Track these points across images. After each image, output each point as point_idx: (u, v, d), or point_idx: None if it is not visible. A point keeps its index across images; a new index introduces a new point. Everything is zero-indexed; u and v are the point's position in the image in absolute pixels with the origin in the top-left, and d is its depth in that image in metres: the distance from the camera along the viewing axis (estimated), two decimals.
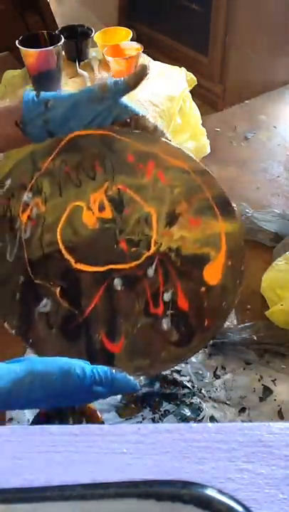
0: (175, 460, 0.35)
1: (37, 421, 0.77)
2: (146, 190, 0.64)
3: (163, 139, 0.63)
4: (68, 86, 1.25)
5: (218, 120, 1.68)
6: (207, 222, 0.62)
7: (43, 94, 0.64)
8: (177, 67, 1.35)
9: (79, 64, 1.31)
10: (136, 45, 1.26)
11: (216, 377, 0.92)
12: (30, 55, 1.13)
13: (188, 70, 1.36)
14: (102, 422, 0.77)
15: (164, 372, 0.91)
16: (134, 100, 1.15)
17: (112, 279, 0.64)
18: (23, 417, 0.85)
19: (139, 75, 0.63)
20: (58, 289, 0.65)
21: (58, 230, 0.66)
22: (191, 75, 1.36)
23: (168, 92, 1.25)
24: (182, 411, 0.87)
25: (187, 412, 0.86)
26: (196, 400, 0.88)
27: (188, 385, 0.90)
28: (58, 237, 0.65)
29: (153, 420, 0.86)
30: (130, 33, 1.34)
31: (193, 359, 0.94)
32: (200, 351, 0.94)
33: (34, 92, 0.64)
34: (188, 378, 0.91)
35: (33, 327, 0.65)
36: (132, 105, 0.65)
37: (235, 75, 1.72)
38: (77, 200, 0.65)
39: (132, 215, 0.64)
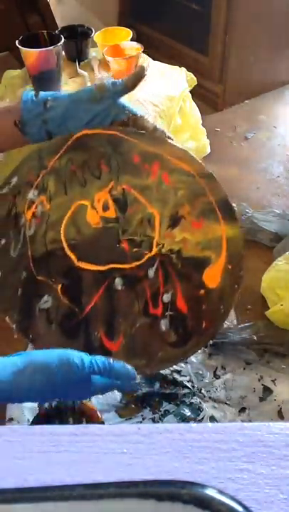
0: (175, 460, 0.35)
1: (37, 421, 0.77)
2: (151, 191, 0.64)
3: (169, 141, 0.63)
4: (68, 86, 1.25)
5: (218, 120, 1.68)
6: (209, 226, 0.62)
7: (42, 94, 0.64)
8: (177, 67, 1.35)
9: (79, 64, 1.31)
10: (136, 45, 1.26)
11: (216, 377, 0.92)
12: (30, 55, 1.13)
13: (188, 70, 1.36)
14: (102, 422, 0.77)
15: (164, 373, 0.91)
16: (134, 100, 1.15)
17: (113, 279, 0.64)
18: (23, 417, 0.85)
19: (138, 76, 0.63)
20: (60, 286, 0.66)
21: (62, 227, 0.66)
22: (191, 75, 1.36)
23: (168, 92, 1.25)
24: (182, 411, 0.87)
25: (187, 412, 0.86)
26: (196, 400, 0.88)
27: (188, 385, 0.90)
28: (62, 234, 0.66)
29: (153, 420, 0.86)
30: (130, 33, 1.34)
31: (193, 359, 0.94)
32: (200, 351, 0.94)
33: (33, 92, 0.64)
34: (188, 378, 0.91)
35: (34, 323, 0.66)
36: (131, 105, 0.65)
37: (235, 75, 1.72)
38: (82, 198, 0.66)
39: (135, 215, 0.64)
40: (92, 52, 1.35)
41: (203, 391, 0.89)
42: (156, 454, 0.35)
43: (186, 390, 0.89)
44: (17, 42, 1.13)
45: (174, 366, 0.92)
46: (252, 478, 0.34)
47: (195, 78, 1.37)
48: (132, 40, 1.32)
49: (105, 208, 0.65)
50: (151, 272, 0.63)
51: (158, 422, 0.85)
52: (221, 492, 0.30)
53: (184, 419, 0.85)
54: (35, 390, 0.52)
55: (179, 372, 0.92)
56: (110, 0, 2.01)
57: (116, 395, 0.88)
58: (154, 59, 1.36)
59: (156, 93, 1.23)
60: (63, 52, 1.22)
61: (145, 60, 1.33)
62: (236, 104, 1.76)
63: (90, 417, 0.77)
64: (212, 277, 0.62)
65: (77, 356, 0.54)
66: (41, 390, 0.53)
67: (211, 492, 0.30)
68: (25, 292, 0.66)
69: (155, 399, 0.88)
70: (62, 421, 0.78)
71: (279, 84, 1.84)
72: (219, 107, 1.76)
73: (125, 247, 0.64)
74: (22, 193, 0.67)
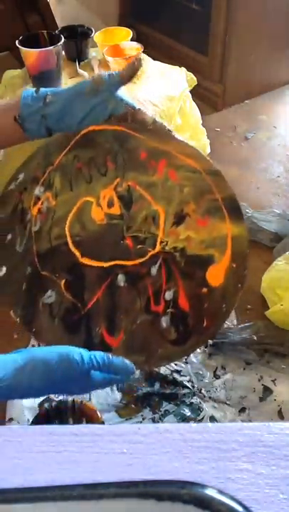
0: (175, 460, 0.35)
1: (37, 421, 0.78)
2: (156, 188, 0.64)
3: (177, 137, 0.63)
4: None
5: (218, 120, 1.68)
6: (214, 224, 0.61)
7: (42, 90, 0.64)
8: (177, 67, 1.35)
9: (79, 64, 1.31)
10: (136, 45, 1.26)
11: (216, 377, 0.92)
12: (30, 55, 1.13)
13: (188, 70, 1.36)
14: (102, 422, 0.77)
15: (164, 373, 0.91)
16: (134, 100, 1.15)
17: (116, 275, 0.64)
18: (23, 417, 0.85)
19: (133, 67, 0.63)
20: (63, 282, 0.66)
21: (67, 224, 0.67)
22: (191, 75, 1.36)
23: (168, 92, 1.25)
24: (182, 411, 0.87)
25: (187, 412, 0.86)
26: (196, 400, 0.88)
27: (188, 385, 0.90)
28: (67, 231, 0.66)
29: (153, 420, 0.86)
30: (130, 33, 1.34)
31: (193, 359, 0.94)
32: (200, 351, 0.94)
33: (34, 89, 0.64)
34: (188, 378, 0.91)
35: (37, 317, 0.66)
36: (128, 99, 0.65)
37: (235, 75, 1.72)
38: (88, 195, 0.66)
39: (140, 212, 0.64)
40: (92, 52, 1.35)
41: (203, 391, 0.89)
42: (156, 454, 0.35)
43: (186, 390, 0.89)
44: (17, 42, 1.13)
45: (174, 366, 0.92)
46: (252, 478, 0.34)
47: (195, 78, 1.37)
48: (132, 40, 1.32)
49: (110, 204, 0.65)
50: (154, 270, 0.63)
51: (158, 422, 0.85)
52: (221, 492, 0.30)
53: (184, 419, 0.85)
54: (36, 386, 0.53)
55: (179, 372, 0.92)
56: (110, 0, 2.01)
57: (116, 395, 0.88)
58: (154, 59, 1.36)
59: (156, 93, 1.23)
60: (63, 52, 1.22)
61: (146, 60, 1.33)
62: (236, 104, 1.76)
63: (90, 417, 0.77)
64: (215, 276, 0.61)
65: (76, 352, 0.55)
66: (42, 385, 0.53)
67: (211, 492, 0.30)
68: (29, 287, 0.67)
69: (155, 399, 0.88)
70: (63, 421, 0.78)
71: (279, 84, 1.84)
72: (219, 107, 1.76)
73: (129, 243, 0.65)
74: (28, 190, 0.68)
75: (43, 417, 0.78)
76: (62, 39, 1.15)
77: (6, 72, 1.33)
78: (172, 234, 0.63)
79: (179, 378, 0.91)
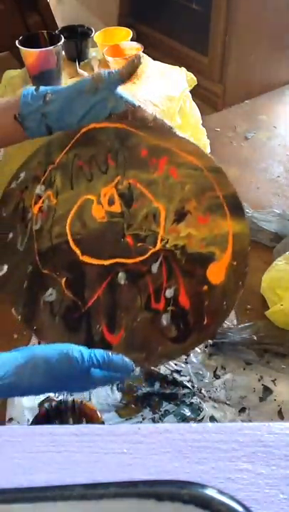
0: (175, 460, 0.35)
1: (37, 421, 0.78)
2: (157, 186, 0.64)
3: (178, 134, 0.63)
4: None
5: (218, 120, 1.68)
6: (215, 221, 0.61)
7: (42, 88, 0.64)
8: (177, 67, 1.35)
9: (79, 64, 1.31)
10: (136, 45, 1.26)
11: (216, 377, 0.92)
12: (30, 55, 1.13)
13: (188, 70, 1.36)
14: (102, 422, 0.77)
15: (164, 373, 0.91)
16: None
17: (116, 273, 0.64)
18: (23, 417, 0.85)
19: (133, 65, 0.63)
20: (64, 280, 0.66)
21: (68, 222, 0.67)
22: (191, 75, 1.36)
23: (168, 92, 1.25)
24: (182, 411, 0.87)
25: (187, 412, 0.86)
26: (196, 400, 0.88)
27: (188, 385, 0.90)
28: (67, 229, 0.66)
29: (153, 420, 0.86)
30: (130, 33, 1.34)
31: (193, 359, 0.94)
32: (200, 351, 0.94)
33: (34, 87, 0.64)
34: (188, 378, 0.91)
35: (38, 315, 0.67)
36: (128, 96, 0.65)
37: (235, 75, 1.72)
38: (88, 193, 0.66)
39: (141, 210, 0.64)
40: (92, 52, 1.35)
41: (203, 391, 0.89)
42: (156, 454, 0.35)
43: (186, 390, 0.89)
44: (17, 42, 1.13)
45: (174, 366, 0.92)
46: (252, 478, 0.34)
47: (195, 78, 1.37)
48: (132, 40, 1.32)
49: (111, 202, 0.65)
50: (154, 267, 0.63)
51: (158, 422, 0.85)
52: (221, 492, 0.30)
53: (184, 419, 0.85)
54: (37, 384, 0.53)
55: (179, 372, 0.92)
56: (110, 0, 2.01)
57: (116, 395, 0.88)
58: (154, 59, 1.36)
59: (156, 93, 1.23)
60: (63, 52, 1.22)
61: (146, 60, 1.33)
62: (236, 104, 1.76)
63: (90, 417, 0.77)
64: (216, 273, 0.61)
65: (76, 350, 0.55)
66: (42, 383, 0.54)
67: (211, 492, 0.30)
68: (30, 285, 0.67)
69: (155, 399, 0.88)
70: (63, 421, 0.78)
71: (279, 84, 1.84)
72: (219, 107, 1.76)
73: (130, 241, 0.64)
74: (29, 188, 0.68)
75: (43, 417, 0.78)
76: (62, 39, 1.15)
77: (6, 72, 1.33)
78: (173, 231, 0.63)
79: (179, 378, 0.91)
